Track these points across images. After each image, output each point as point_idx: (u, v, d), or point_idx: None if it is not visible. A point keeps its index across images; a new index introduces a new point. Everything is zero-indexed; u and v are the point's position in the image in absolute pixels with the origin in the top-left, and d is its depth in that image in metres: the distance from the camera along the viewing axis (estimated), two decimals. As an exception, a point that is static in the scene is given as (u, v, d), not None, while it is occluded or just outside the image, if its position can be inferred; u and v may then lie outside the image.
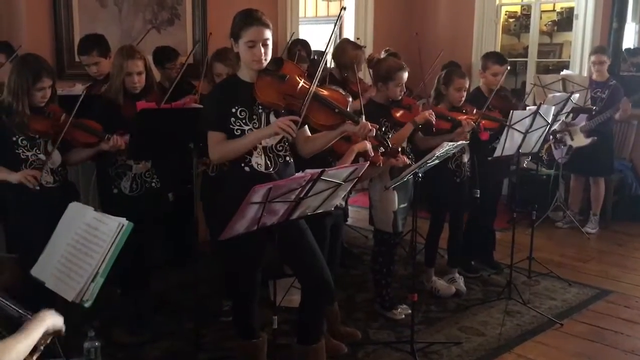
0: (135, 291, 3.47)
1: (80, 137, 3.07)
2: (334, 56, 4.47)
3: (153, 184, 3.37)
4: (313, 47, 5.37)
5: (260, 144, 2.62)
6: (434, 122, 3.60)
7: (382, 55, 4.90)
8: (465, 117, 3.88)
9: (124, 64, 3.20)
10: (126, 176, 3.29)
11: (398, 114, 3.59)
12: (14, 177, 2.91)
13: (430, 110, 3.60)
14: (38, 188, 2.90)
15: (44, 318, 1.69)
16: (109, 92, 3.25)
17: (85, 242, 1.97)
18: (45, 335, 1.69)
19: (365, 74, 5.66)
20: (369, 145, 3.05)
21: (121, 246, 1.93)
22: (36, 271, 2.06)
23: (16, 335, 1.62)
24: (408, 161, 3.35)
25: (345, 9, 2.69)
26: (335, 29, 2.65)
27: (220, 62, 3.59)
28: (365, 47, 5.10)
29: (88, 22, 4.56)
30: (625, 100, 5.18)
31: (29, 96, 2.93)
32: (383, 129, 3.45)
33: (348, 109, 2.68)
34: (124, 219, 1.94)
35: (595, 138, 5.30)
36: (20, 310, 1.78)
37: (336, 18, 2.67)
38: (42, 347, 1.76)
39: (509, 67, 4.26)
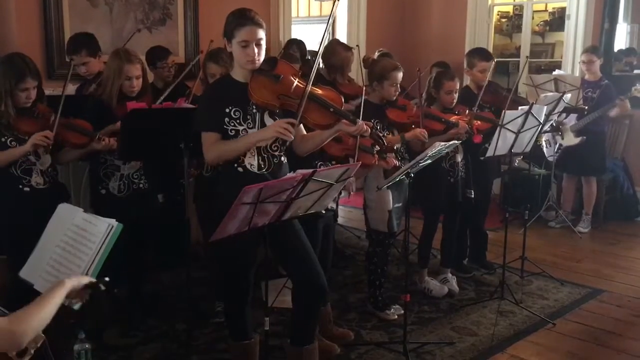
0: (127, 292, 3.45)
1: (71, 137, 3.04)
2: (323, 57, 4.45)
3: (141, 185, 3.35)
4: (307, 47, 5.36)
5: (254, 145, 2.61)
6: (425, 142, 3.57)
7: (375, 55, 4.89)
8: (458, 117, 3.88)
9: (123, 68, 3.18)
10: (114, 177, 3.27)
11: (392, 114, 3.59)
12: (27, 147, 2.90)
13: (423, 130, 3.59)
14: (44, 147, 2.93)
15: (63, 282, 1.72)
16: (104, 95, 3.22)
17: (75, 243, 1.95)
18: (77, 294, 1.75)
19: (357, 75, 5.66)
20: None
21: (111, 247, 1.91)
22: (25, 273, 2.03)
23: (36, 300, 1.64)
24: (398, 164, 3.35)
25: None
26: (328, 26, 2.64)
27: (214, 63, 3.58)
28: (356, 46, 5.10)
29: (79, 22, 4.54)
30: (623, 99, 5.19)
31: (12, 97, 2.90)
32: (377, 129, 3.45)
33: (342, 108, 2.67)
34: (114, 220, 1.93)
35: (585, 137, 5.32)
36: (6, 312, 1.76)
37: (329, 16, 2.65)
38: (32, 351, 1.75)
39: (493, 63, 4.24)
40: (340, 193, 2.98)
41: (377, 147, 3.19)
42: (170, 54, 4.44)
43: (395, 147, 3.53)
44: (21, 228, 2.84)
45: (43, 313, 1.62)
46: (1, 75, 2.89)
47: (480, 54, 4.29)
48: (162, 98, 3.47)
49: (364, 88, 3.31)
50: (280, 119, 2.56)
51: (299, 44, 5.25)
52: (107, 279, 1.85)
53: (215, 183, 2.76)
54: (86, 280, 1.81)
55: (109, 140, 3.06)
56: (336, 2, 2.62)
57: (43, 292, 1.69)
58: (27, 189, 3.00)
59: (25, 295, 2.05)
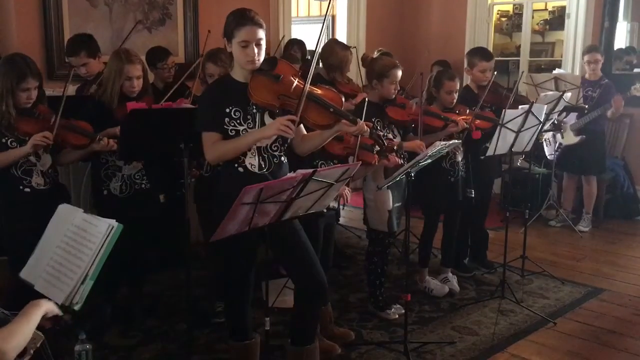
0: (127, 293, 3.45)
1: (71, 138, 3.04)
2: (322, 57, 4.45)
3: (143, 185, 3.35)
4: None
5: (255, 144, 2.61)
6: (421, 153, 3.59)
7: (375, 55, 4.89)
8: (458, 117, 3.87)
9: (124, 68, 3.18)
10: (115, 177, 3.27)
11: (392, 113, 3.59)
12: (27, 149, 2.90)
13: (422, 143, 3.59)
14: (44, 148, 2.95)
15: (39, 303, 1.81)
16: (104, 95, 3.22)
17: (75, 244, 1.95)
18: (45, 320, 1.82)
19: (356, 76, 5.65)
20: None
21: (111, 248, 1.91)
22: (25, 274, 2.04)
23: (17, 320, 1.71)
24: (400, 161, 3.35)
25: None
26: (324, 27, 2.63)
27: (212, 63, 3.58)
28: (354, 47, 5.09)
29: (78, 22, 4.54)
30: (618, 96, 5.18)
31: (13, 97, 2.90)
32: (377, 128, 3.45)
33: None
34: (114, 220, 1.93)
35: (584, 136, 5.33)
36: (6, 312, 1.77)
37: (325, 16, 2.65)
38: (31, 351, 1.75)
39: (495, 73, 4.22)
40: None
41: (377, 147, 3.19)
42: (170, 54, 4.44)
43: (395, 147, 3.52)
44: (22, 229, 2.84)
45: (25, 331, 1.70)
46: (2, 75, 2.89)
47: (480, 54, 4.28)
48: (163, 101, 3.47)
49: (363, 88, 3.31)
50: (280, 117, 2.56)
51: (299, 44, 5.25)
52: (69, 316, 1.94)
53: (216, 183, 2.76)
54: (56, 310, 1.88)
55: (108, 141, 3.06)
56: (330, 4, 2.62)
57: (20, 312, 1.76)
58: (27, 189, 3.00)
59: (25, 297, 2.06)
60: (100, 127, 3.12)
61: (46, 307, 1.81)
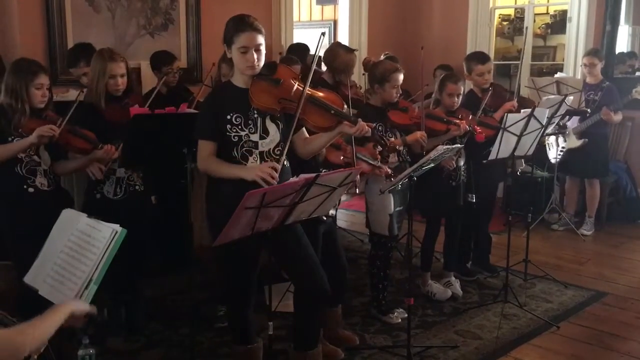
0: (127, 297, 3.45)
1: (76, 142, 3.06)
2: (325, 60, 4.46)
3: (137, 188, 3.33)
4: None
5: (257, 148, 2.62)
6: (424, 145, 3.60)
7: (382, 58, 4.90)
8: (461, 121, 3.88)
9: (107, 67, 3.17)
10: (109, 180, 3.24)
11: (394, 116, 3.60)
12: (31, 139, 2.90)
13: (423, 133, 3.61)
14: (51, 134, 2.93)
15: (66, 303, 1.82)
16: (91, 97, 3.21)
17: (79, 248, 1.96)
18: (74, 319, 1.82)
19: (359, 78, 5.66)
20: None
21: (115, 253, 1.92)
22: (29, 278, 2.04)
23: (40, 317, 1.72)
24: (389, 171, 3.32)
25: (324, 34, 2.69)
26: (318, 50, 2.66)
27: (227, 64, 3.62)
28: (357, 50, 5.10)
29: (81, 28, 4.56)
30: (605, 109, 5.20)
31: (28, 95, 2.93)
32: (380, 131, 3.46)
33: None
34: (118, 225, 1.93)
35: (587, 140, 5.33)
36: (12, 319, 1.77)
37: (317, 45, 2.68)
38: (35, 356, 1.76)
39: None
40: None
41: (379, 148, 3.20)
42: (175, 59, 4.45)
43: (397, 148, 3.53)
44: (26, 231, 2.85)
45: (44, 328, 1.69)
46: (15, 76, 2.94)
47: (476, 57, 4.28)
48: (150, 100, 3.47)
49: (350, 86, 3.31)
50: (264, 163, 2.58)
51: (301, 48, 5.25)
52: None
53: (219, 186, 2.76)
54: (87, 308, 1.88)
55: (110, 147, 3.06)
56: (322, 36, 2.64)
57: (47, 310, 1.75)
58: (31, 189, 3.01)
59: (30, 301, 2.06)
60: (93, 129, 3.11)
61: (73, 307, 1.81)
